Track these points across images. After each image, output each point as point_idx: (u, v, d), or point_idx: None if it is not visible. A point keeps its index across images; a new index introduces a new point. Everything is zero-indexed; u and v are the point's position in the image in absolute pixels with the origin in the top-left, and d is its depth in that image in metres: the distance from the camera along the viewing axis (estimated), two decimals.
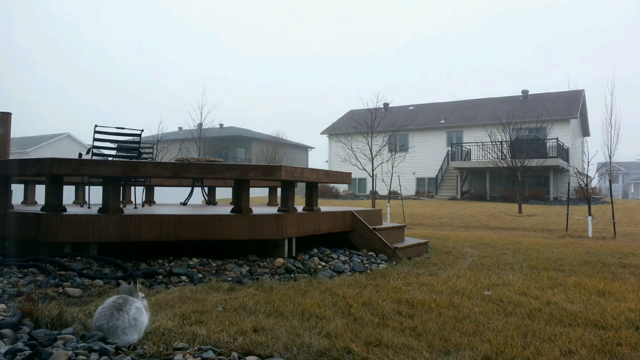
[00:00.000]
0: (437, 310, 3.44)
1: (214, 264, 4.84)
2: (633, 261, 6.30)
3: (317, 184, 6.29)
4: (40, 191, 6.78)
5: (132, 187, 7.55)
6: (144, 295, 2.87)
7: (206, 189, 9.15)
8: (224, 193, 16.17)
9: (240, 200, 5.40)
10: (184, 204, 8.78)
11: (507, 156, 22.50)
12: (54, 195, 4.89)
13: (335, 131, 33.10)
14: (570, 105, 28.67)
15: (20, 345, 2.30)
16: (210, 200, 9.26)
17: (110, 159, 6.68)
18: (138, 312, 2.60)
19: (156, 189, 9.23)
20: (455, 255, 6.65)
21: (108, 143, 6.49)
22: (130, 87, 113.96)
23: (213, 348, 2.52)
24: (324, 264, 5.30)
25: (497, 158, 22.91)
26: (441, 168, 29.25)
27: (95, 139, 6.18)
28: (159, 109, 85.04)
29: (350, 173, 7.11)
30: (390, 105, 35.17)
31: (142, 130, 6.48)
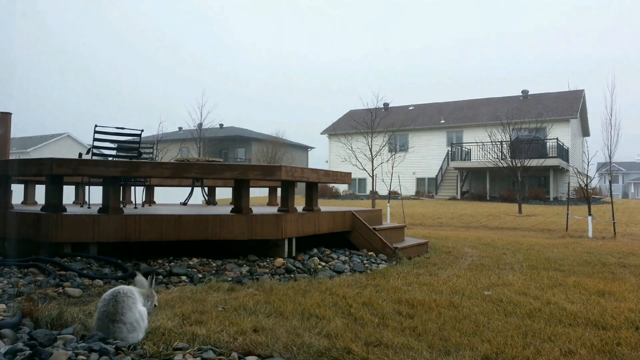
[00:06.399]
0: (437, 310, 3.44)
1: (214, 264, 4.84)
2: (633, 261, 6.30)
3: (317, 184, 6.29)
4: (40, 191, 6.79)
5: (132, 187, 7.55)
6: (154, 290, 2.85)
7: (206, 189, 9.15)
8: (224, 193, 16.13)
9: (240, 200, 5.40)
10: (184, 204, 8.78)
11: (507, 156, 22.50)
12: (54, 195, 4.89)
13: (335, 131, 33.09)
14: (570, 105, 28.66)
15: (20, 345, 2.30)
16: (210, 200, 9.26)
17: (110, 159, 6.68)
18: (135, 313, 2.57)
19: (156, 189, 9.22)
20: (455, 255, 6.65)
21: (108, 143, 6.49)
22: (131, 87, 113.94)
23: (213, 348, 2.52)
24: (324, 264, 5.30)
25: (497, 158, 22.91)
26: (441, 168, 29.24)
27: (95, 139, 6.18)
28: (158, 109, 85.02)
29: (350, 173, 7.11)
30: (390, 105, 35.17)
31: (142, 130, 6.48)
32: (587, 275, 5.13)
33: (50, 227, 4.58)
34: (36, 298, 3.22)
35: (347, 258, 5.63)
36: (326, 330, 2.89)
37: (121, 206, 5.13)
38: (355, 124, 24.88)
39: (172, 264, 4.75)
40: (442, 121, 31.31)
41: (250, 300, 3.55)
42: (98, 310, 2.57)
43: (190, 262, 4.83)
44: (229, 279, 4.44)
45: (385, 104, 34.36)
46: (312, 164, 44.32)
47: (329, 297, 3.77)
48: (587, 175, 14.76)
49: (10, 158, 8.39)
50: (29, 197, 7.79)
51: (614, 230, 11.63)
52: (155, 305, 2.86)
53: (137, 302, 2.61)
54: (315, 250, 5.77)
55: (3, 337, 2.43)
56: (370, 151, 21.13)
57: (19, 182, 7.49)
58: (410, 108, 35.13)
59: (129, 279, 4.17)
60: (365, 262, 5.57)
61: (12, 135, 8.91)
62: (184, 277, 4.38)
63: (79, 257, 4.53)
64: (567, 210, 13.37)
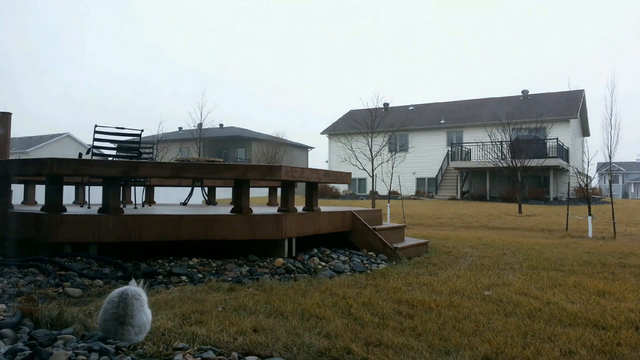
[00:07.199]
0: (437, 310, 3.44)
1: (214, 264, 4.84)
2: (633, 261, 6.30)
3: (317, 184, 6.29)
4: (40, 191, 6.79)
5: (132, 187, 7.56)
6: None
7: (206, 189, 9.15)
8: (224, 193, 16.16)
9: (240, 200, 5.40)
10: (184, 204, 8.78)
11: (507, 156, 22.51)
12: (54, 195, 4.89)
13: (335, 131, 33.11)
14: (570, 105, 28.67)
15: (20, 345, 2.31)
16: (210, 200, 9.26)
17: (110, 159, 6.69)
18: (146, 316, 2.55)
19: (156, 189, 9.23)
20: (455, 255, 6.65)
21: (108, 143, 6.49)
22: (131, 87, 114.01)
23: (213, 348, 2.52)
24: (324, 264, 5.30)
25: (497, 158, 22.92)
26: (441, 168, 29.26)
27: (95, 139, 6.19)
28: (159, 109, 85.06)
29: (350, 173, 7.11)
30: (390, 105, 35.19)
31: (142, 130, 6.49)
32: (587, 275, 5.13)
33: (50, 227, 4.58)
34: (36, 298, 3.22)
35: (347, 258, 5.63)
36: (326, 330, 2.89)
37: (121, 206, 5.13)
38: (355, 124, 24.88)
39: (172, 264, 4.75)
40: (442, 121, 31.33)
41: (250, 300, 3.55)
42: (105, 312, 2.52)
43: (190, 262, 4.83)
44: (229, 279, 4.44)
45: (385, 104, 34.38)
46: (312, 164, 44.37)
47: (329, 297, 3.77)
48: (587, 175, 14.78)
49: (10, 158, 8.39)
50: (29, 197, 7.80)
51: (614, 230, 11.63)
52: None
53: (144, 305, 2.60)
54: (315, 250, 5.77)
55: (3, 337, 2.43)
56: (370, 151, 21.13)
57: (19, 182, 7.49)
58: (410, 108, 35.14)
59: (128, 279, 4.17)
60: (365, 262, 5.57)
61: (12, 135, 8.91)
62: (184, 277, 4.38)
63: (79, 257, 4.53)
64: (567, 210, 13.37)
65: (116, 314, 2.48)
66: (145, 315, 2.57)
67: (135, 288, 2.62)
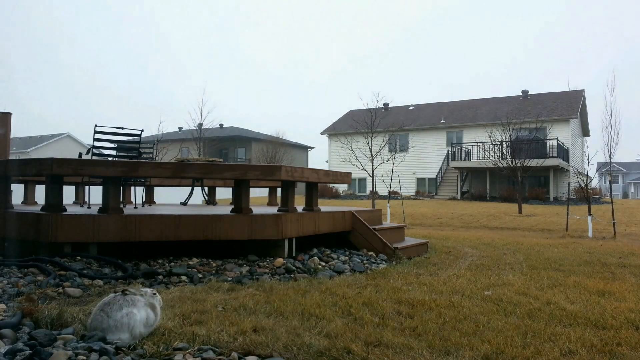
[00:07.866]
0: (437, 310, 3.44)
1: (214, 264, 4.84)
2: (633, 261, 6.30)
3: (317, 184, 6.29)
4: (40, 191, 6.79)
5: (132, 187, 7.56)
6: (154, 292, 2.84)
7: (206, 189, 9.15)
8: (224, 193, 16.14)
9: (240, 200, 5.40)
10: (184, 204, 8.78)
11: (507, 156, 22.51)
12: (54, 195, 4.89)
13: (335, 131, 33.10)
14: (570, 105, 28.66)
15: (20, 345, 2.31)
16: (210, 200, 9.26)
17: (110, 159, 6.69)
18: (127, 316, 2.55)
19: (156, 189, 9.22)
20: (455, 255, 6.65)
21: (108, 143, 6.49)
22: (130, 89, 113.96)
23: (213, 348, 2.52)
24: (324, 264, 5.30)
25: (497, 158, 22.91)
26: (441, 168, 29.25)
27: (95, 139, 6.19)
28: (159, 109, 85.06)
29: (350, 173, 7.11)
30: (390, 105, 35.18)
31: (142, 130, 6.49)
32: (587, 275, 5.13)
33: (50, 227, 4.58)
34: (36, 298, 3.22)
35: (347, 258, 5.63)
36: (326, 330, 2.89)
37: (121, 206, 5.13)
38: (355, 124, 24.88)
39: (172, 264, 4.75)
40: (442, 121, 31.32)
41: (250, 300, 3.55)
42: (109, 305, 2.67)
43: (190, 262, 4.83)
44: (229, 279, 4.44)
45: (385, 104, 34.36)
46: (312, 164, 44.37)
47: (329, 297, 3.77)
48: (587, 175, 14.77)
49: (10, 158, 8.39)
50: (29, 197, 7.79)
51: (614, 230, 11.63)
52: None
53: (135, 307, 2.60)
54: (315, 250, 5.77)
55: (3, 337, 2.43)
56: (370, 151, 21.12)
57: (19, 182, 7.49)
58: (410, 108, 35.13)
59: (128, 279, 4.18)
60: (365, 262, 5.57)
61: (12, 135, 8.92)
62: (184, 277, 4.38)
63: (79, 257, 4.53)
64: (567, 210, 13.37)
65: (102, 302, 2.65)
66: (128, 315, 2.56)
67: (137, 296, 2.67)
